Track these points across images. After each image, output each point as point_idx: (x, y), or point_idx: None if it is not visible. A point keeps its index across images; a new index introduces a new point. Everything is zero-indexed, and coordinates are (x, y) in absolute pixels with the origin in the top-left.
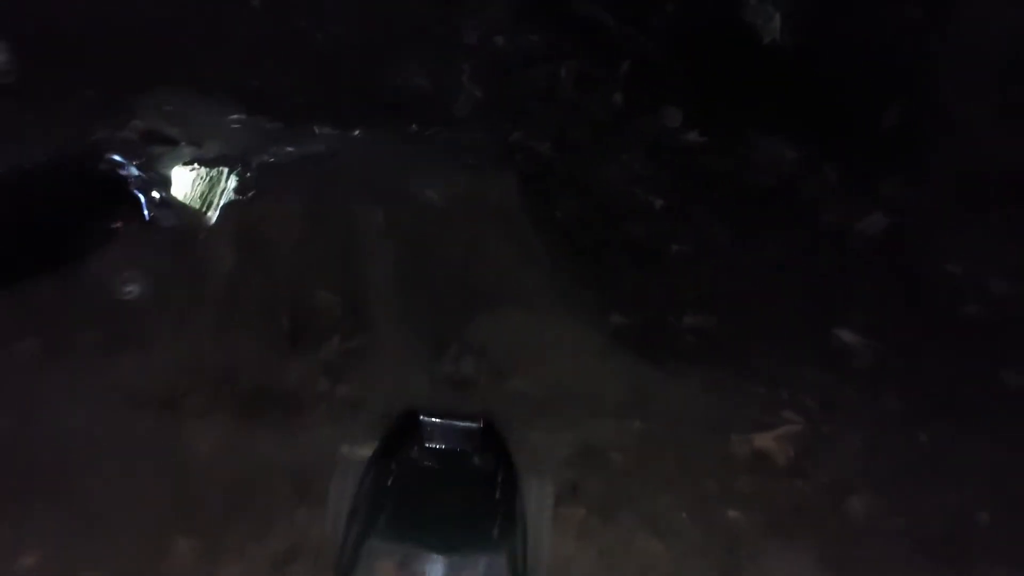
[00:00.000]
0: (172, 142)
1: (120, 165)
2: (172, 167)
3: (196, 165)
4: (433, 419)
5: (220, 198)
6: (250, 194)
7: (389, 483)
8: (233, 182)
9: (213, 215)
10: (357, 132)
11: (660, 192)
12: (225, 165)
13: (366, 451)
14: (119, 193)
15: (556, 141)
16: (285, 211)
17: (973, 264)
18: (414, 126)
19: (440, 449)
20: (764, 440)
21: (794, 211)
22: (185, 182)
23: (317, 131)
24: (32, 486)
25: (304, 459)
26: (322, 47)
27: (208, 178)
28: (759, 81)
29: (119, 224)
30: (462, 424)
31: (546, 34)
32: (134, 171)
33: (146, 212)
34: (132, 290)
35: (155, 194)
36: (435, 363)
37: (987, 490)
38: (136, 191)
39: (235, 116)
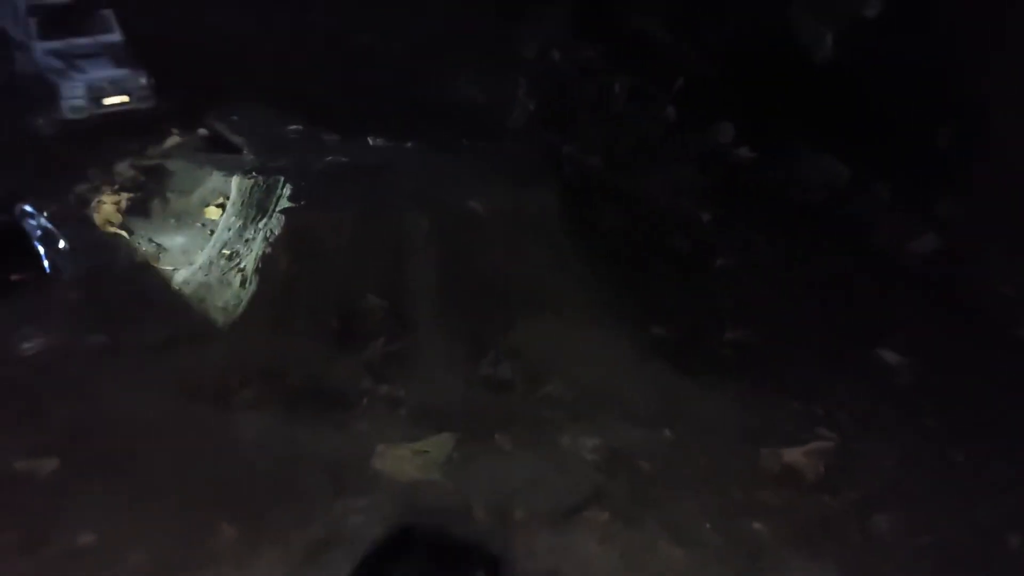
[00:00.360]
0: (236, 150)
1: (30, 215)
2: (233, 174)
3: (255, 173)
4: (427, 536)
5: (276, 204)
6: (303, 202)
7: None
8: (288, 190)
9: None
10: (409, 144)
11: (708, 206)
12: (282, 174)
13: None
14: (18, 245)
15: (606, 154)
16: (337, 218)
17: None
18: (464, 140)
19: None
20: (794, 455)
21: (843, 229)
22: (244, 190)
23: (371, 142)
24: (91, 471)
25: (344, 454)
26: (383, 61)
27: (266, 186)
28: (812, 99)
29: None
30: (456, 546)
31: (603, 49)
32: (44, 222)
33: (47, 264)
34: (30, 346)
35: (61, 244)
36: (473, 366)
37: (1020, 512)
38: (39, 244)
39: (295, 127)
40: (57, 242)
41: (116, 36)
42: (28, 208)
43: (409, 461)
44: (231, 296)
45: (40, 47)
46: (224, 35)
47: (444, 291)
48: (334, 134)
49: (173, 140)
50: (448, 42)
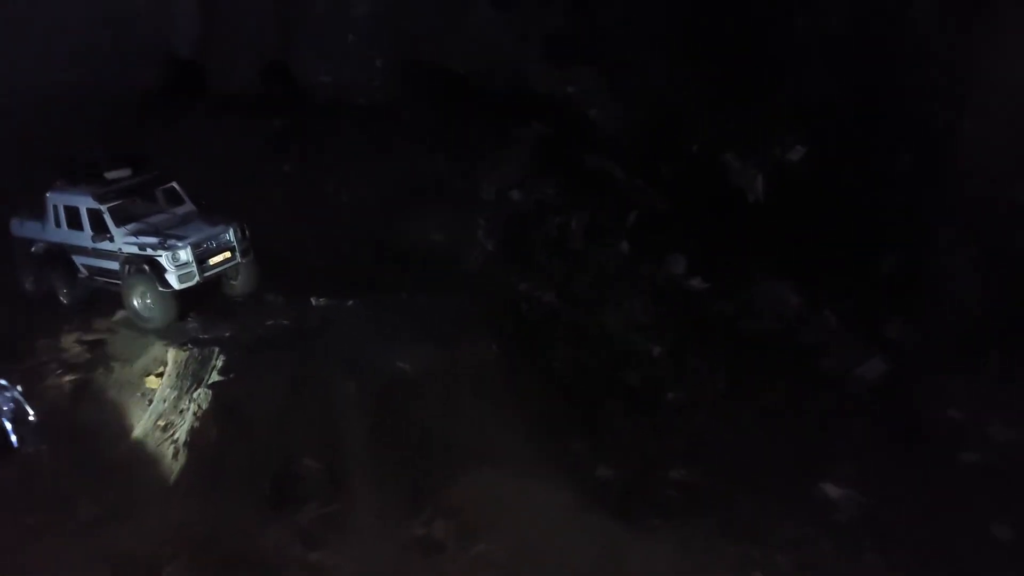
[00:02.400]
0: (182, 317)
1: (4, 388)
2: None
3: (190, 345)
4: None
5: (210, 375)
6: (236, 371)
7: None
8: (222, 360)
9: None
10: (350, 303)
11: (659, 339)
12: (219, 343)
13: None
14: None
15: (562, 290)
16: (269, 386)
17: (974, 409)
18: (404, 293)
19: None
20: None
21: (792, 357)
22: (179, 362)
23: (314, 303)
24: None
25: None
26: (344, 208)
27: (200, 356)
28: (760, 231)
29: None
30: None
31: (560, 187)
32: (17, 395)
33: (14, 439)
34: None
35: (31, 417)
36: (406, 527)
37: None
38: (4, 419)
39: None
40: (27, 416)
41: (189, 206)
42: (2, 382)
43: None
44: (164, 468)
45: (121, 235)
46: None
47: (377, 452)
48: (280, 295)
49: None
50: (413, 185)
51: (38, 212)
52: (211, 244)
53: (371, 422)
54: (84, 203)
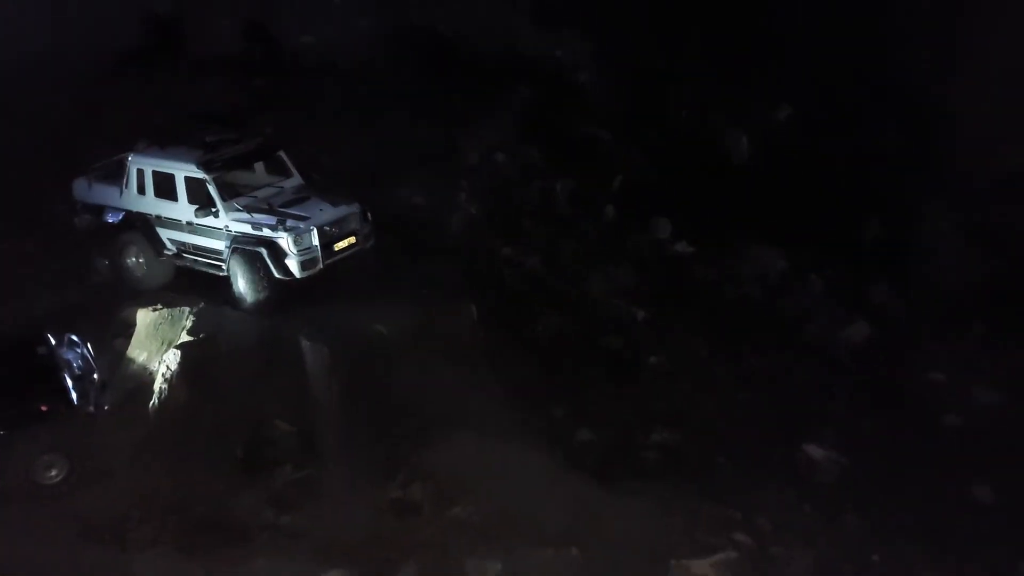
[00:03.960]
0: None
1: (75, 345)
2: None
3: (160, 306)
4: None
5: (180, 335)
6: (208, 332)
7: None
8: (191, 321)
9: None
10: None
11: (643, 304)
12: (188, 305)
13: None
14: (51, 376)
15: (546, 255)
16: (243, 346)
17: (956, 373)
18: (383, 256)
19: None
20: (702, 567)
21: (777, 322)
22: (148, 323)
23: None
24: None
25: None
26: (326, 170)
27: (170, 318)
28: (746, 196)
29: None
30: None
31: (545, 151)
32: (87, 353)
33: (74, 396)
34: (55, 474)
35: (95, 376)
36: (383, 491)
37: None
38: (67, 375)
39: None
40: (92, 374)
41: (297, 179)
42: (74, 338)
43: None
44: (132, 431)
45: (229, 210)
46: None
47: (352, 415)
48: None
49: None
50: (398, 148)
51: (109, 175)
52: (336, 227)
53: (346, 385)
54: (183, 170)
